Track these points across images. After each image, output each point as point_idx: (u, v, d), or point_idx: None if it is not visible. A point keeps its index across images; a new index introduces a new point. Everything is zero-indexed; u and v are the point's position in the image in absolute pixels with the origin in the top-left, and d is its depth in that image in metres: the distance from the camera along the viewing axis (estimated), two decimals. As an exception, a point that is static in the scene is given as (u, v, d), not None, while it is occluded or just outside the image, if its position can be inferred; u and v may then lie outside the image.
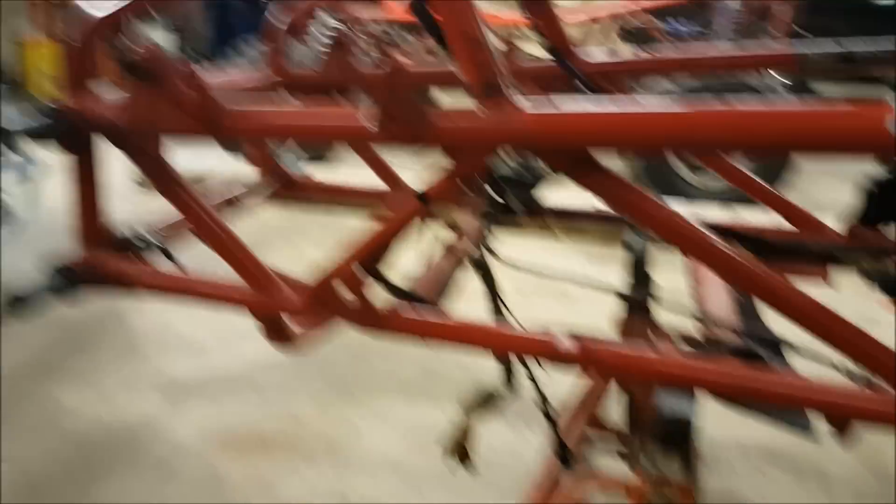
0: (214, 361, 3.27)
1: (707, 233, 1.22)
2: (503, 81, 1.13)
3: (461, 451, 1.97)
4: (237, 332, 3.55)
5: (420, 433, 2.74)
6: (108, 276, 1.50)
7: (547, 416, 1.89)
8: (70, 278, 1.47)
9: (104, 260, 1.52)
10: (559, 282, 1.75)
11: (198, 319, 3.67)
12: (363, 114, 1.21)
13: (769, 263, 2.00)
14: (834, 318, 1.22)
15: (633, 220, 1.21)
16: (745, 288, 1.24)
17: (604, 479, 1.50)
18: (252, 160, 2.25)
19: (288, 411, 2.87)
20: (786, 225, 2.11)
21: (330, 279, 1.39)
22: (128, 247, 1.59)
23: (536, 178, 1.97)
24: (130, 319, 3.66)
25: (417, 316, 1.37)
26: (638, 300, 2.11)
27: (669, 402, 1.20)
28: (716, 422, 2.83)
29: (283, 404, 2.92)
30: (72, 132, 1.39)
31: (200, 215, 1.44)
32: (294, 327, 1.64)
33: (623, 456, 2.26)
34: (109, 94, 1.45)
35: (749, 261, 1.23)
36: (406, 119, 1.17)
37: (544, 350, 1.29)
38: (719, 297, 1.56)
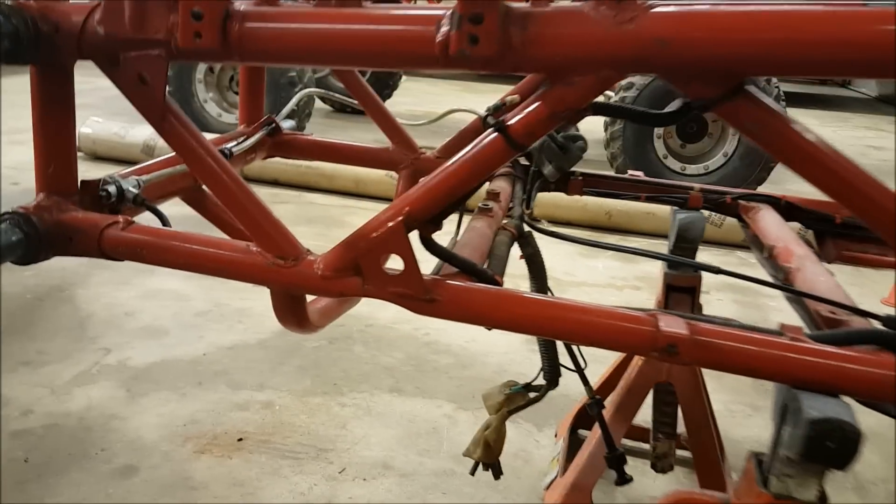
0: (176, 345, 2.92)
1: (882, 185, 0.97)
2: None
3: (488, 453, 1.70)
4: (198, 311, 3.20)
5: (413, 429, 2.45)
6: (80, 232, 1.17)
7: (601, 420, 1.63)
8: (28, 232, 1.14)
9: (72, 212, 1.19)
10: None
11: (154, 298, 3.31)
12: (438, 28, 0.92)
13: (835, 243, 1.80)
14: None
15: (791, 165, 0.95)
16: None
17: (690, 497, 1.24)
18: (242, 114, 1.91)
19: (263, 402, 2.55)
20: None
21: (370, 244, 1.09)
22: (102, 199, 1.26)
23: (579, 149, 1.70)
24: (80, 299, 3.27)
25: (487, 295, 1.08)
26: (687, 278, 1.87)
27: (823, 408, 0.94)
28: (731, 421, 2.62)
29: (257, 394, 2.59)
30: (31, 39, 1.06)
31: (206, 161, 1.12)
32: (312, 305, 1.33)
33: (657, 459, 2.03)
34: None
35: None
36: (495, 28, 0.88)
37: (643, 335, 1.02)
38: (826, 281, 1.31)
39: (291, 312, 1.27)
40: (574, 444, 2.27)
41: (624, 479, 1.60)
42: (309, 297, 1.36)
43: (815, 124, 8.77)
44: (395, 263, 1.13)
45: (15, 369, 2.65)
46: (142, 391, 2.58)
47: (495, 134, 0.98)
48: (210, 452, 2.26)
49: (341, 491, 2.12)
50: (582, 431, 2.36)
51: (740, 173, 4.72)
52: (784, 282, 1.39)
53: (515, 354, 2.98)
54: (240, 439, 2.33)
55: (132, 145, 5.03)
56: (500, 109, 1.76)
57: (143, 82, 1.10)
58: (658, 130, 4.86)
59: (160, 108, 1.12)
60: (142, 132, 5.09)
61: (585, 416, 2.35)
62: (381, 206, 3.96)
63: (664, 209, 4.30)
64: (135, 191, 1.29)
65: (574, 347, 1.65)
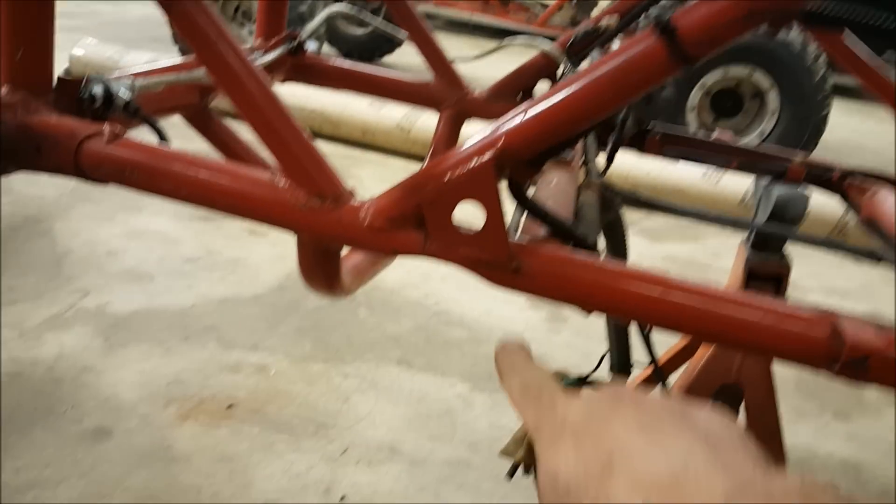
0: (161, 293, 2.62)
1: None
2: None
3: (532, 456, 1.42)
4: (187, 257, 2.91)
5: (423, 409, 2.18)
6: (52, 141, 0.87)
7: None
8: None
9: (43, 115, 0.89)
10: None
11: (139, 238, 3.00)
12: None
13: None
14: None
15: None
16: None
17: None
18: (260, 25, 1.59)
19: (256, 365, 2.26)
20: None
21: (442, 188, 0.80)
22: (84, 103, 0.96)
23: (666, 98, 1.40)
24: (58, 233, 2.96)
25: (596, 270, 0.79)
26: (775, 266, 1.58)
27: None
28: (791, 439, 2.35)
29: (250, 356, 2.31)
30: None
31: (231, 61, 0.82)
32: (344, 261, 1.04)
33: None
34: None
35: None
36: None
37: (818, 342, 0.74)
38: None
39: (322, 269, 0.98)
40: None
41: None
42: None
43: (839, 113, 8.48)
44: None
45: (-19, 307, 2.35)
46: (121, 342, 2.29)
47: (655, 39, 0.68)
48: (195, 419, 1.98)
49: (343, 475, 1.85)
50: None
51: (775, 156, 4.44)
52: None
53: (535, 332, 2.71)
54: (229, 406, 2.05)
55: (127, 73, 4.66)
56: (590, 35, 1.47)
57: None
58: (692, 102, 4.55)
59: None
60: (137, 58, 4.72)
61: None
62: (388, 160, 3.63)
63: (695, 185, 4.02)
64: (128, 95, 0.98)
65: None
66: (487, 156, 0.79)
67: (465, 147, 0.82)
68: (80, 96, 0.97)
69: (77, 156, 0.87)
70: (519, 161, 0.80)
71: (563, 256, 0.83)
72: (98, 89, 0.96)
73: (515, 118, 0.79)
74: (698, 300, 0.78)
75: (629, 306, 0.80)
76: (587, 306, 0.84)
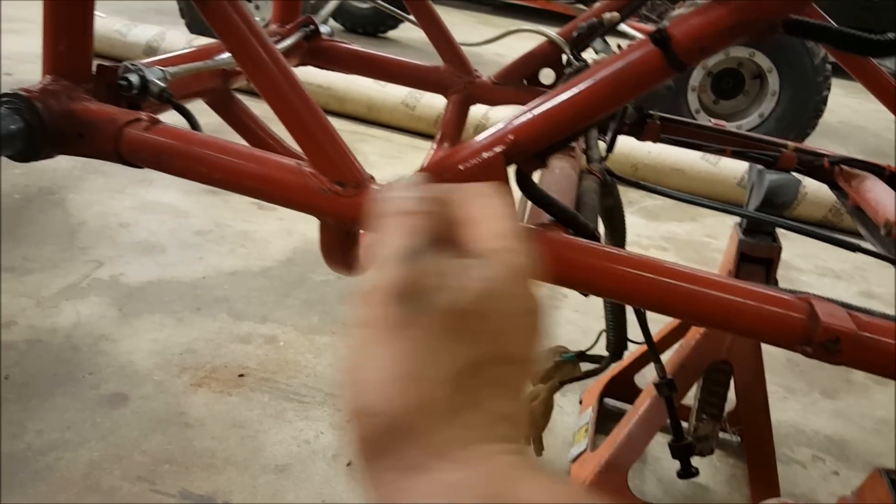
0: (173, 265, 2.69)
1: None
2: None
3: (532, 427, 1.51)
4: (197, 230, 2.98)
5: (428, 380, 2.27)
6: (94, 128, 0.93)
7: (670, 405, 1.44)
8: (31, 121, 0.90)
9: (85, 102, 0.96)
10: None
11: (150, 211, 3.07)
12: None
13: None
14: None
15: None
16: None
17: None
18: (277, 10, 1.65)
19: (266, 336, 2.35)
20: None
21: (455, 177, 0.87)
22: (121, 90, 1.02)
23: (665, 87, 1.46)
24: (71, 204, 3.02)
25: (598, 255, 0.87)
26: (765, 248, 1.65)
27: None
28: (779, 416, 2.44)
29: (260, 327, 2.39)
30: None
31: (258, 52, 0.88)
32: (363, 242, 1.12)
33: (698, 441, 1.86)
34: None
35: None
36: None
37: (794, 323, 0.82)
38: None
39: (342, 251, 1.05)
40: (602, 415, 2.11)
41: (689, 472, 1.42)
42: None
43: (840, 94, 8.49)
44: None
45: (2, 279, 2.43)
46: (135, 311, 2.37)
47: (651, 47, 0.75)
48: (208, 387, 2.07)
49: (350, 443, 1.94)
50: (609, 401, 2.20)
51: (775, 136, 4.50)
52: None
53: (536, 308, 2.78)
54: (241, 375, 2.14)
55: (134, 45, 4.69)
56: (595, 28, 1.53)
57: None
58: (693, 83, 4.60)
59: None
60: (145, 32, 4.76)
61: (615, 386, 2.19)
62: (393, 136, 3.70)
63: (694, 166, 4.09)
64: (161, 84, 1.05)
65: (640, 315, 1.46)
66: (498, 149, 0.86)
67: (478, 140, 0.89)
68: (118, 83, 1.04)
69: (117, 142, 0.94)
70: (526, 154, 0.88)
71: (564, 242, 0.91)
72: (134, 77, 1.03)
73: (524, 115, 0.86)
74: (687, 285, 0.85)
75: (623, 290, 0.88)
76: (586, 289, 0.91)
